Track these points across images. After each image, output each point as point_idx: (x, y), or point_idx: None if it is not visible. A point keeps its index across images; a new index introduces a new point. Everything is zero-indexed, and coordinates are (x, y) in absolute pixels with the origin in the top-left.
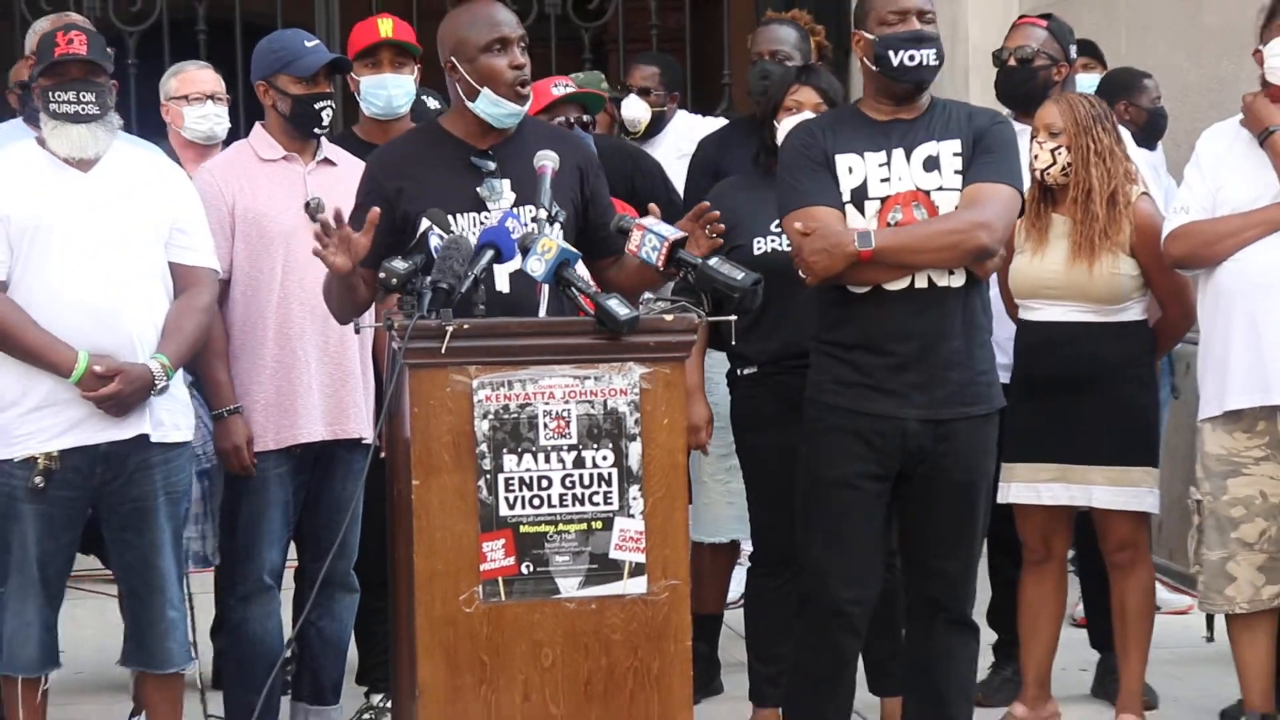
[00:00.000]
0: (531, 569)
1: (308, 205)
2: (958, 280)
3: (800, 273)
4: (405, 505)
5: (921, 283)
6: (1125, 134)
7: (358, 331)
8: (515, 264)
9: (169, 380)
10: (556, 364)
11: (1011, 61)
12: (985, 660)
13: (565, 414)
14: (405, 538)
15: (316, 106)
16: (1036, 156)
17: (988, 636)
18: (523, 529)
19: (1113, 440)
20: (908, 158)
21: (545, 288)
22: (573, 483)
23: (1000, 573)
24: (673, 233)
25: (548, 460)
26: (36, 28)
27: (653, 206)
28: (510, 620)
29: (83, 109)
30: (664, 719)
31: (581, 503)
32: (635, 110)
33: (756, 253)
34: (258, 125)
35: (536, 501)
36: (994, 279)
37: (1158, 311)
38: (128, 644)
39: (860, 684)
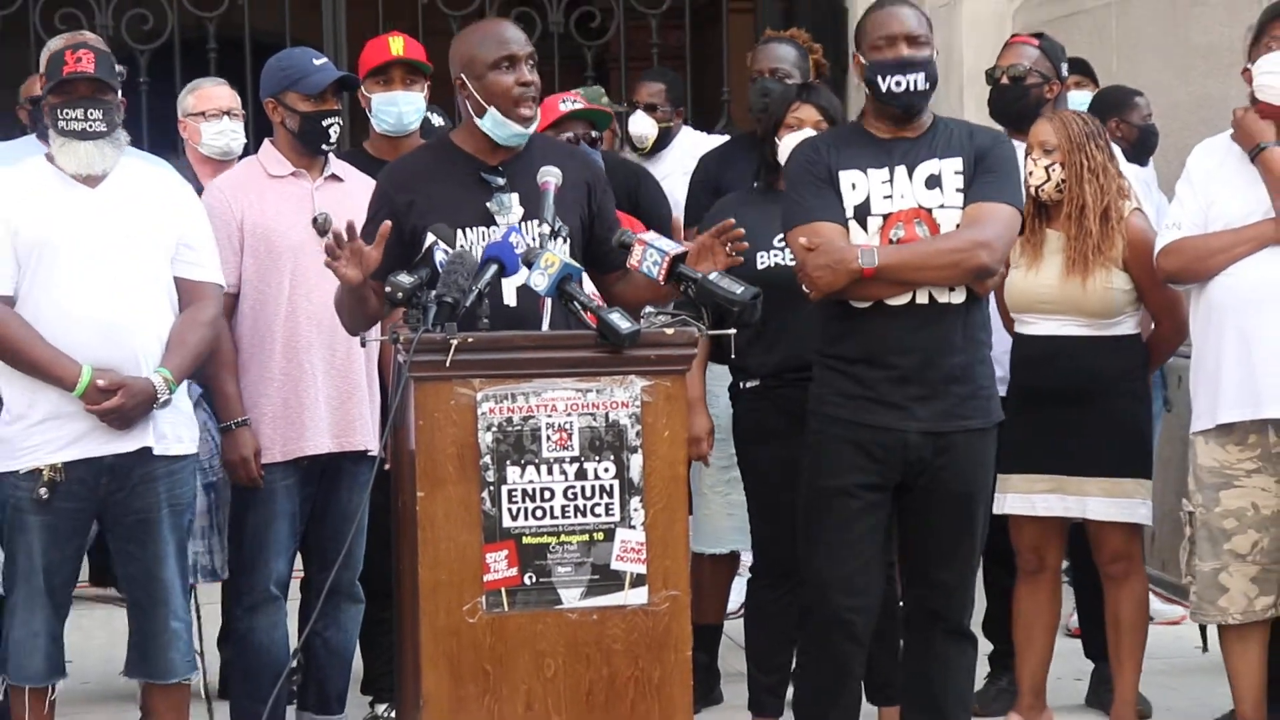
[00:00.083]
0: (534, 580)
1: (315, 221)
2: (958, 297)
3: (804, 287)
4: (410, 516)
5: (922, 299)
6: (1117, 150)
7: (364, 345)
8: (522, 278)
9: (172, 394)
10: (559, 377)
11: (1004, 80)
12: (981, 670)
13: (567, 426)
14: (410, 549)
15: (324, 123)
16: (1031, 173)
17: (983, 647)
18: (525, 540)
19: (1107, 452)
20: (910, 175)
21: (548, 302)
22: (575, 494)
23: (995, 583)
24: (674, 247)
25: (550, 472)
26: (50, 46)
27: (676, 219)
28: (513, 630)
29: (90, 126)
30: None
31: (583, 514)
32: (642, 126)
33: (760, 267)
34: (266, 142)
35: (539, 513)
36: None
37: (1151, 325)
38: (131, 654)
39: None
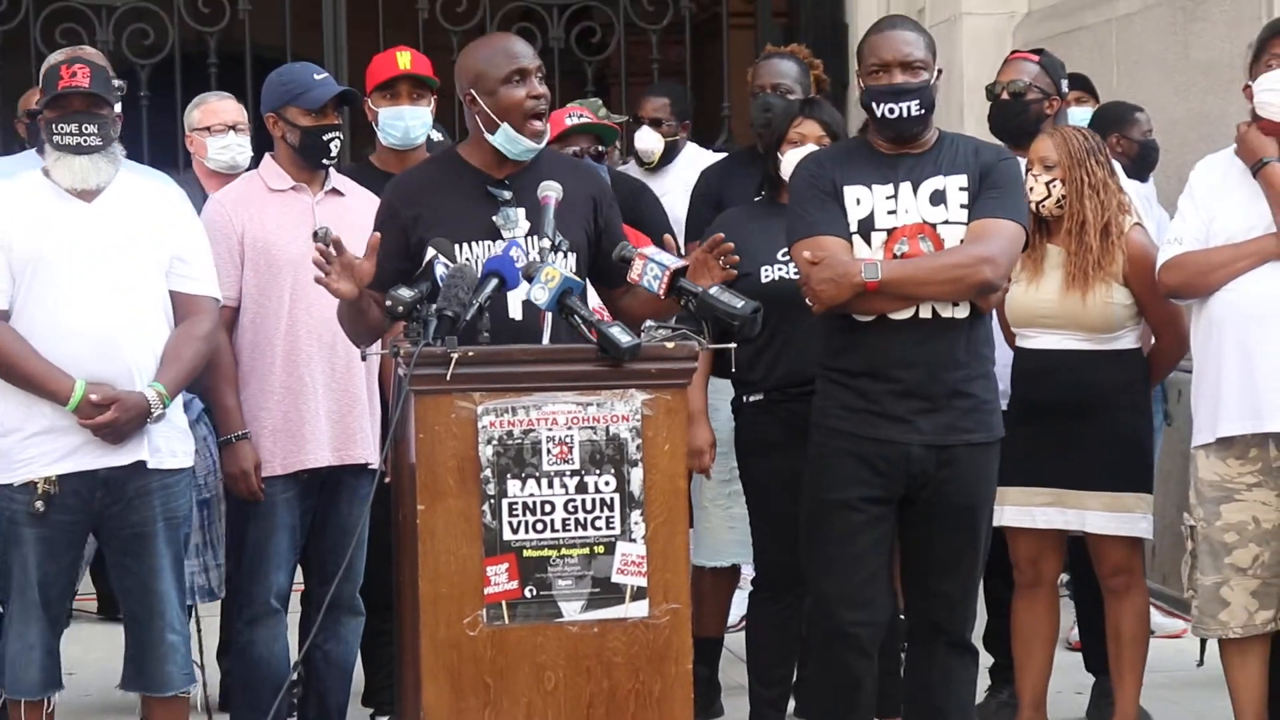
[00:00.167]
0: (534, 593)
1: (316, 235)
2: (961, 312)
3: (807, 300)
4: (410, 529)
5: (925, 313)
6: (1117, 166)
7: (364, 358)
8: (523, 292)
9: (165, 408)
10: (559, 390)
11: (1004, 95)
12: (982, 683)
13: (568, 440)
14: (410, 561)
15: (325, 138)
16: (1031, 189)
17: (984, 660)
18: (526, 553)
19: (1107, 466)
20: (915, 191)
21: (549, 315)
22: (575, 507)
23: (996, 596)
24: (674, 261)
25: (551, 485)
26: (49, 60)
27: (667, 238)
28: (513, 643)
29: (85, 141)
30: None
31: (584, 527)
32: (648, 142)
33: (764, 280)
34: (267, 156)
35: (540, 526)
36: None
37: (1152, 340)
38: (128, 668)
39: None
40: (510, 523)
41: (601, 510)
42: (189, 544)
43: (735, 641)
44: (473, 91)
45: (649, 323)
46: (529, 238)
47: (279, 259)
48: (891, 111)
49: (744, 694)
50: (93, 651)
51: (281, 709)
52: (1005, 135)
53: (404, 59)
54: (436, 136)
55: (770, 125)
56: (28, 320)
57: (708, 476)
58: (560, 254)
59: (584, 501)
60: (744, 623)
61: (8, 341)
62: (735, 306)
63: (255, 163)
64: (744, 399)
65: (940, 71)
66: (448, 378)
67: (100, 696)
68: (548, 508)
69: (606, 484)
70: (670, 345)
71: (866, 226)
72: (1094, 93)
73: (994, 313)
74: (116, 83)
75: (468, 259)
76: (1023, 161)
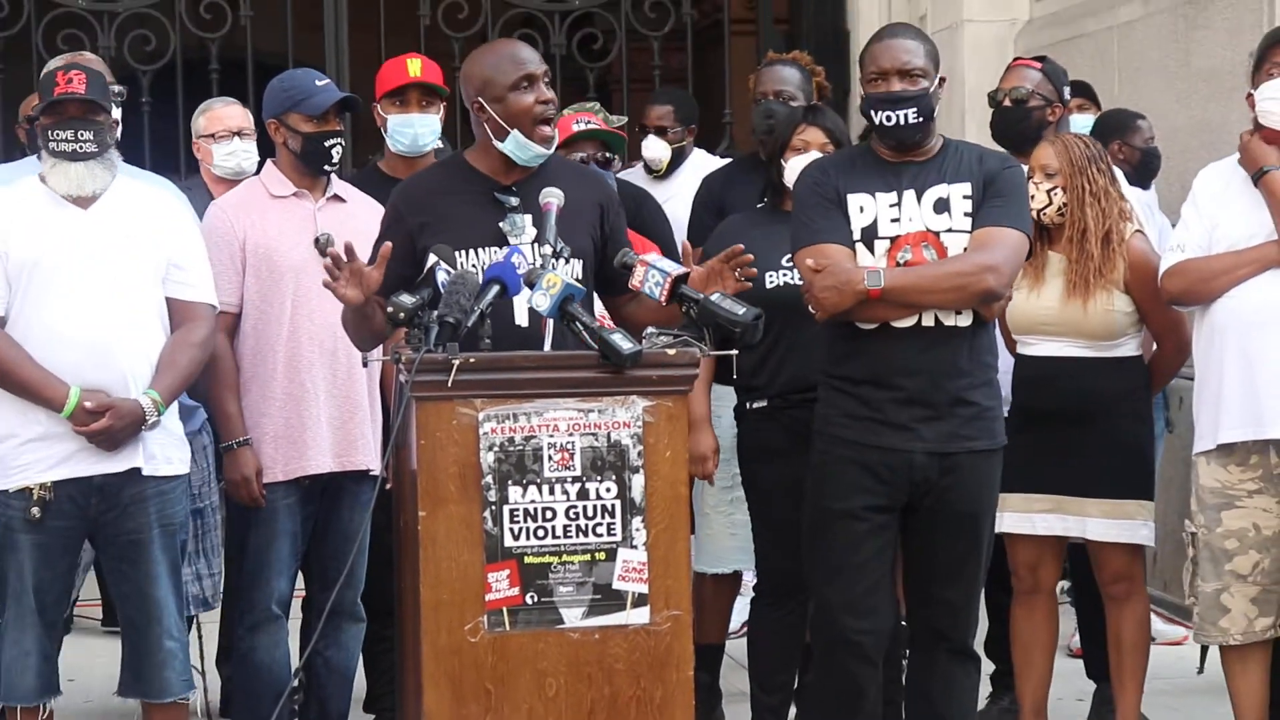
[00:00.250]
0: (536, 599)
1: (317, 241)
2: (964, 320)
3: (810, 308)
4: (412, 536)
5: (928, 321)
6: (1118, 173)
7: (366, 365)
8: (524, 298)
9: (160, 415)
10: (561, 397)
11: (1006, 102)
12: (983, 690)
13: (569, 446)
14: (411, 568)
15: (327, 144)
16: (1033, 196)
17: (986, 666)
18: (527, 560)
19: (1108, 473)
20: (918, 199)
21: (550, 322)
22: (576, 514)
23: (997, 603)
24: (675, 268)
25: (552, 492)
26: (49, 66)
27: (685, 244)
28: (515, 650)
29: (80, 147)
30: None
31: (585, 534)
32: (656, 150)
33: (769, 286)
34: (269, 162)
35: (541, 532)
36: None
37: (1153, 346)
38: (125, 674)
39: None
40: (511, 529)
41: (603, 517)
42: (183, 551)
43: (737, 648)
44: (480, 99)
45: (650, 329)
46: (535, 244)
47: (280, 265)
48: (889, 119)
49: (745, 701)
50: (94, 658)
51: (283, 715)
52: (1007, 142)
53: (414, 66)
54: (438, 144)
55: (773, 132)
56: (23, 326)
57: (711, 483)
58: (562, 260)
59: (585, 508)
60: (745, 629)
61: (3, 348)
62: (737, 313)
63: (262, 167)
64: (747, 405)
65: (943, 79)
66: (449, 384)
67: (101, 702)
68: (549, 514)
69: (608, 490)
70: (671, 352)
71: (870, 234)
72: (1096, 100)
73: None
74: (116, 88)
75: (474, 265)
76: (1024, 168)
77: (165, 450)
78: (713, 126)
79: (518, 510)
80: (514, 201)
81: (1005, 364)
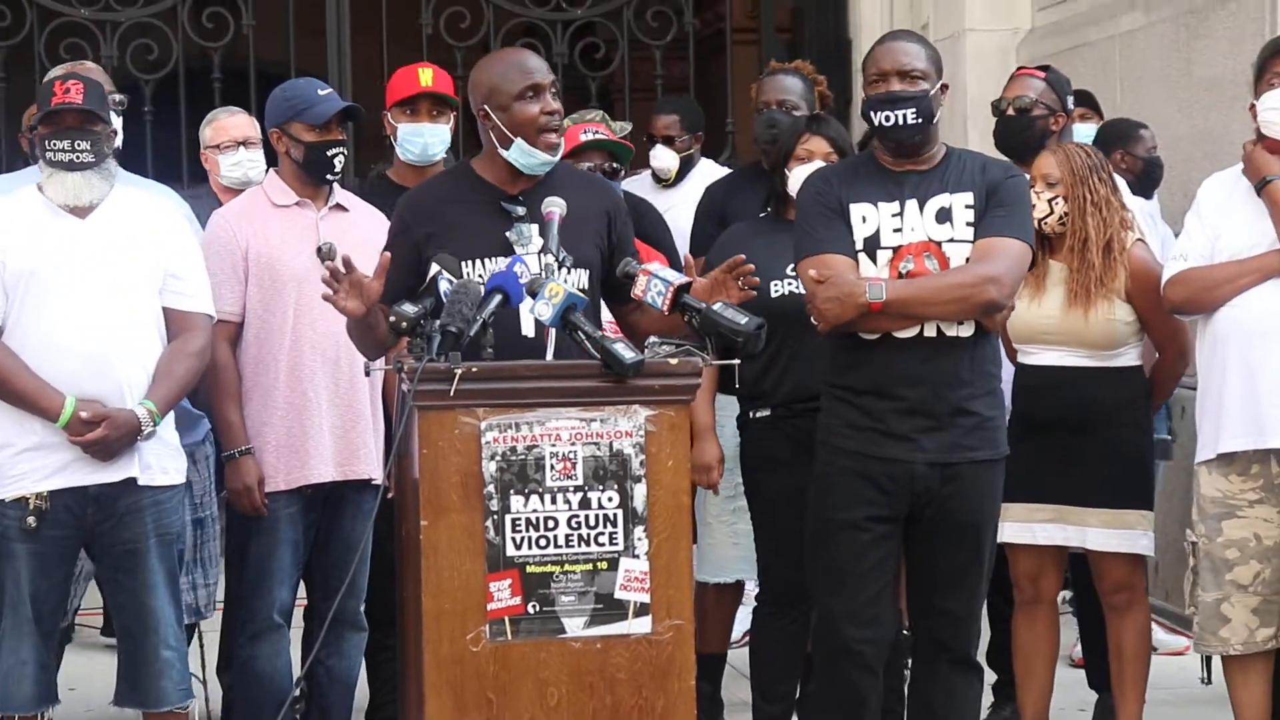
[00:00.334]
0: (538, 608)
1: (319, 250)
2: (966, 330)
3: (812, 319)
4: (414, 545)
5: (930, 332)
6: (1122, 183)
7: (368, 374)
8: (527, 308)
9: (156, 426)
10: (563, 406)
11: (1010, 111)
12: (985, 700)
13: (571, 455)
14: (413, 577)
15: (329, 153)
16: (1034, 206)
17: (987, 676)
18: (529, 569)
19: (1108, 483)
20: (921, 209)
21: (552, 331)
22: (578, 523)
23: (998, 613)
24: (677, 278)
25: (554, 501)
26: (49, 76)
27: (688, 258)
28: (516, 659)
29: (77, 157)
30: None
31: (587, 543)
32: (664, 160)
33: (772, 296)
34: (271, 171)
35: (543, 542)
36: None
37: (1153, 356)
38: (121, 684)
39: None
40: (513, 538)
41: (605, 526)
42: (181, 560)
43: (738, 657)
44: (486, 106)
45: (653, 339)
46: (541, 253)
47: (283, 274)
48: (888, 119)
49: (747, 710)
50: (95, 666)
51: None
52: (1011, 151)
53: (426, 76)
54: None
55: (776, 141)
56: (20, 336)
57: (716, 492)
58: (565, 270)
59: (587, 517)
60: (747, 638)
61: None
62: (739, 323)
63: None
64: (750, 415)
65: (945, 85)
66: (451, 393)
67: (101, 711)
68: (551, 523)
69: (610, 500)
70: (674, 361)
71: (872, 244)
72: (1098, 109)
73: None
74: (117, 97)
75: (481, 275)
76: (1027, 178)
77: (161, 460)
78: (715, 136)
79: (520, 519)
80: (520, 211)
81: (1005, 373)
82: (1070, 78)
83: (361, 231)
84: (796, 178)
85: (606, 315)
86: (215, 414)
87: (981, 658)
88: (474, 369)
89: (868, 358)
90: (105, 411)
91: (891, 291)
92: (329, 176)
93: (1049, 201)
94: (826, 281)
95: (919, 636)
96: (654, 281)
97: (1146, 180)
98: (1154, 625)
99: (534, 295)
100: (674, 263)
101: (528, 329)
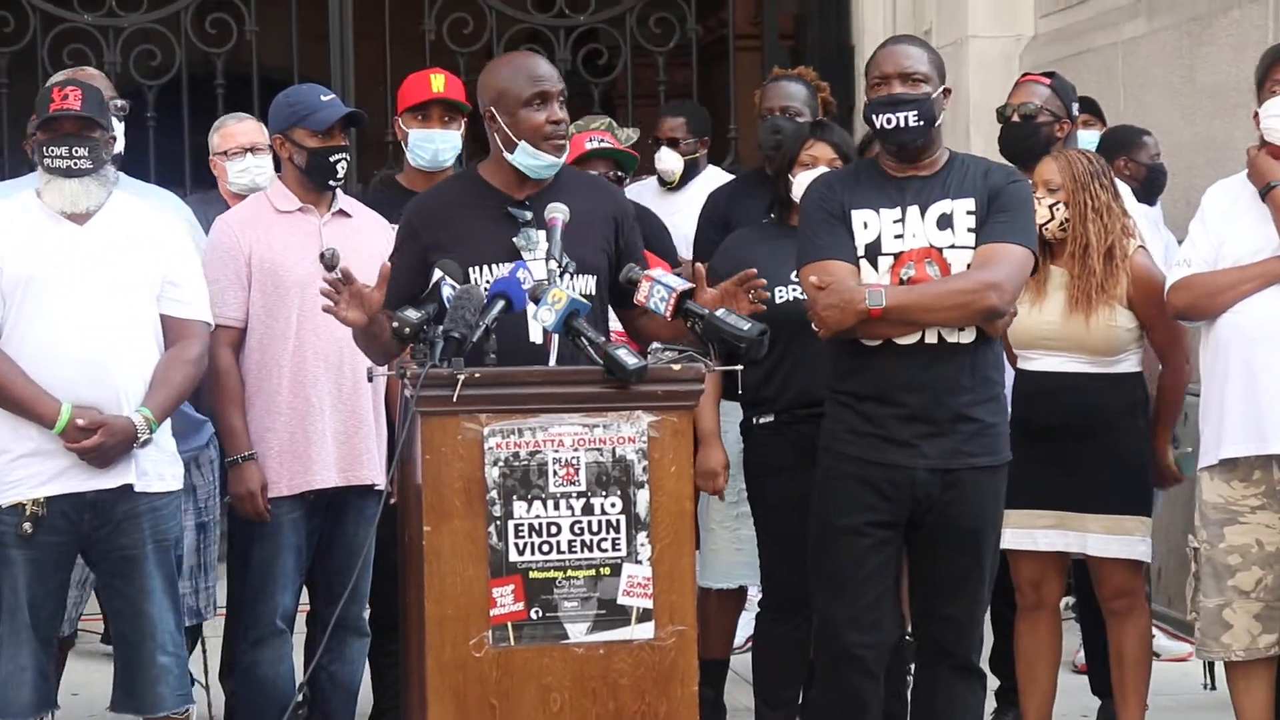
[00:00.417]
0: (540, 614)
1: (322, 256)
2: (967, 336)
3: (814, 326)
4: (416, 550)
5: (931, 338)
6: (1126, 189)
7: (371, 380)
8: (530, 314)
9: (152, 433)
10: (566, 412)
11: (1015, 118)
12: (988, 705)
13: (574, 461)
14: (416, 583)
15: (332, 159)
16: (1035, 211)
17: (990, 682)
18: (532, 575)
19: (1107, 489)
20: (922, 215)
21: (555, 337)
22: (581, 529)
23: (1001, 619)
24: (680, 283)
25: (557, 507)
26: (49, 82)
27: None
28: (519, 665)
29: (75, 164)
30: None
31: (590, 549)
32: (669, 162)
33: (777, 301)
34: (275, 177)
35: (546, 547)
36: None
37: (1154, 364)
38: (117, 691)
39: None
40: (516, 544)
41: (607, 532)
42: (182, 565)
43: (741, 663)
44: (493, 109)
45: (655, 345)
46: (546, 259)
47: (286, 280)
48: (889, 121)
49: (750, 716)
50: (98, 672)
51: None
52: (1016, 157)
53: (438, 82)
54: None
55: (780, 147)
56: (17, 342)
57: (721, 498)
58: (567, 275)
59: (590, 523)
60: (750, 644)
61: None
62: (742, 329)
63: None
64: (754, 421)
65: (948, 90)
66: (454, 399)
67: (103, 717)
68: (554, 529)
69: (613, 506)
70: (676, 367)
71: (873, 250)
72: (1101, 116)
73: None
74: (119, 102)
75: (488, 281)
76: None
77: (158, 467)
78: (717, 142)
79: (522, 525)
80: (527, 216)
81: (1006, 378)
82: (1074, 84)
83: (364, 237)
84: (801, 183)
85: (615, 323)
86: (218, 419)
87: (984, 663)
88: (477, 374)
89: (869, 364)
90: (102, 419)
91: (891, 298)
92: (332, 182)
93: (1050, 207)
94: (827, 288)
95: (921, 642)
96: (657, 287)
97: (1150, 187)
98: (1157, 631)
99: (537, 301)
100: (675, 269)
101: (536, 336)
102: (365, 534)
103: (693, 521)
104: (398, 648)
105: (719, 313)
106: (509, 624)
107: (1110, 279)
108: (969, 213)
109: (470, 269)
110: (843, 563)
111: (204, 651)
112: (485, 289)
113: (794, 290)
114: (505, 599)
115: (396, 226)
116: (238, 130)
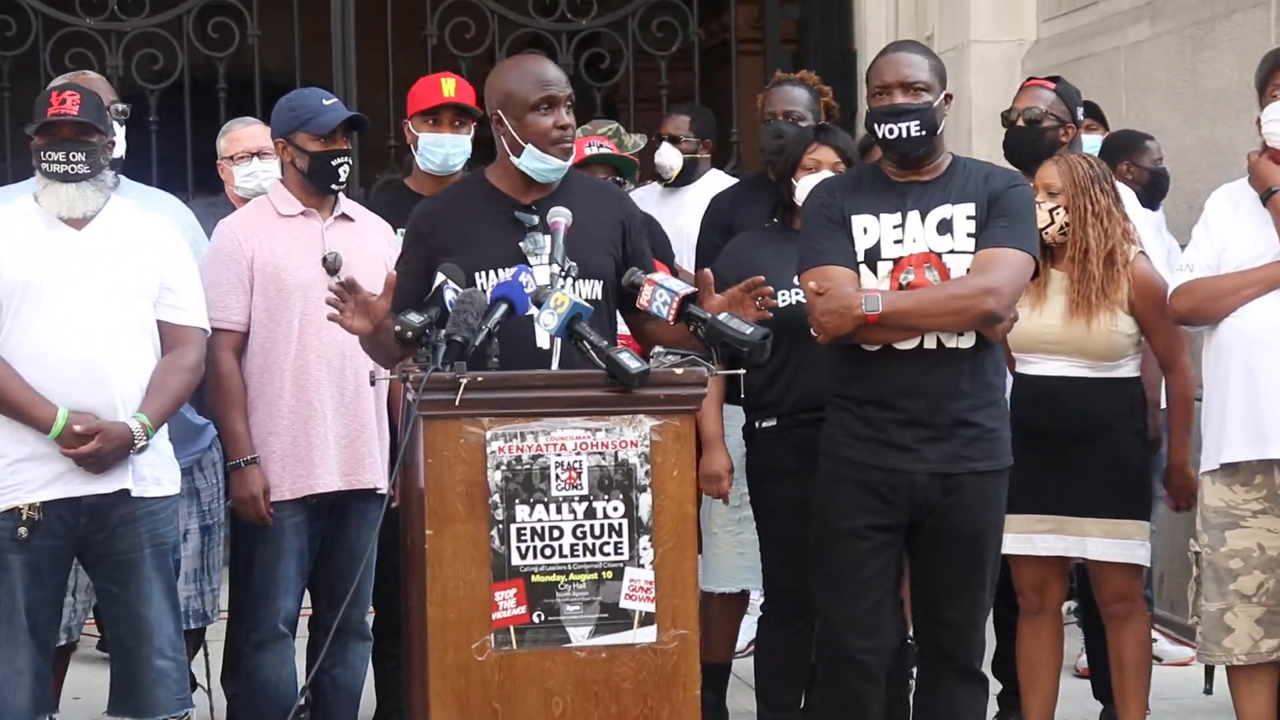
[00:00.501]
0: (543, 618)
1: (325, 260)
2: (966, 341)
3: (813, 331)
4: (419, 554)
5: (930, 343)
6: (1129, 194)
7: (373, 383)
8: (533, 318)
9: (149, 439)
10: (568, 416)
11: (1020, 122)
12: (990, 710)
13: (577, 465)
14: (418, 586)
15: (334, 163)
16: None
17: (992, 686)
18: (534, 578)
19: (1106, 493)
20: (922, 220)
21: (558, 341)
22: (584, 533)
23: (1003, 623)
24: (682, 288)
25: (559, 511)
26: (49, 87)
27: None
28: (521, 668)
29: (72, 169)
30: None
31: (592, 553)
32: (667, 157)
33: (780, 305)
34: (276, 181)
35: (548, 551)
36: None
37: (1155, 371)
38: (114, 695)
39: None
40: (519, 548)
41: (610, 536)
42: (179, 569)
43: (743, 667)
44: (500, 113)
45: (658, 349)
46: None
47: (288, 284)
48: (891, 132)
49: (752, 719)
50: (100, 676)
51: None
52: (1020, 162)
53: (449, 86)
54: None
55: (783, 152)
56: (14, 346)
57: (725, 502)
58: (570, 279)
59: (592, 527)
60: (752, 648)
61: None
62: (744, 333)
63: None
64: (756, 425)
65: (949, 96)
66: (456, 403)
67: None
68: (556, 533)
69: (615, 509)
70: (679, 371)
71: (873, 256)
72: (1104, 120)
73: None
74: (120, 106)
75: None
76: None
77: (155, 471)
78: (720, 146)
79: (525, 529)
80: (534, 220)
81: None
82: (1077, 89)
83: (366, 241)
84: (804, 187)
85: (623, 327)
86: (220, 423)
87: (986, 667)
88: (479, 378)
89: (869, 369)
90: (98, 424)
91: (888, 303)
92: (334, 186)
93: (1050, 211)
94: (826, 294)
95: (923, 646)
96: (659, 291)
97: (1152, 191)
98: (1159, 636)
99: (539, 305)
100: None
101: (542, 341)
102: (367, 538)
103: (695, 525)
104: (400, 651)
105: (721, 317)
106: (511, 628)
107: (1110, 284)
108: (969, 217)
109: (476, 273)
110: (843, 565)
111: (206, 655)
112: (484, 291)
113: (797, 294)
114: (507, 603)
115: (403, 230)
116: (244, 135)
